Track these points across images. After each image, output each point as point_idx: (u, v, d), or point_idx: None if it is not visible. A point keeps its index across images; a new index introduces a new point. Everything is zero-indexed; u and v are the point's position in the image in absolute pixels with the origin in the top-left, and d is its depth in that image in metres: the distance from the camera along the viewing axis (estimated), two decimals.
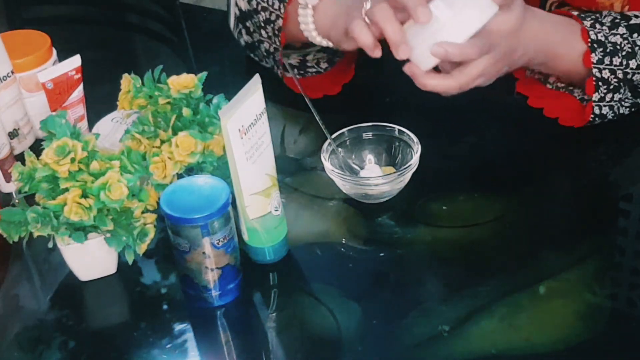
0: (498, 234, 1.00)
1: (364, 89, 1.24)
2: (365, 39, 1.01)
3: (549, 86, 1.15)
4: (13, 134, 1.13)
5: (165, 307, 0.94)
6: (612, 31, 1.07)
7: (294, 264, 0.98)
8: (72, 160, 0.91)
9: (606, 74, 1.07)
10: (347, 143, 1.07)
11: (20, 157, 0.99)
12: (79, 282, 0.97)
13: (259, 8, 1.18)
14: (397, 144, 1.06)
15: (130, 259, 0.93)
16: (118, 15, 1.59)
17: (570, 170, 1.11)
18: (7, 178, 1.07)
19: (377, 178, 1.02)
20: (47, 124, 0.96)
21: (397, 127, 1.05)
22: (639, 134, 1.13)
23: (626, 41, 1.07)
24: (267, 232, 0.94)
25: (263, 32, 1.19)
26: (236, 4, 1.23)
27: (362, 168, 1.06)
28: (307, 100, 1.03)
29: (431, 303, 0.91)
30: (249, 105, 0.88)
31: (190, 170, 0.99)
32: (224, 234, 0.89)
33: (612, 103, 1.09)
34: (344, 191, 1.04)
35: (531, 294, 0.91)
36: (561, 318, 0.88)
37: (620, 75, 1.07)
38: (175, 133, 0.98)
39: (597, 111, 1.09)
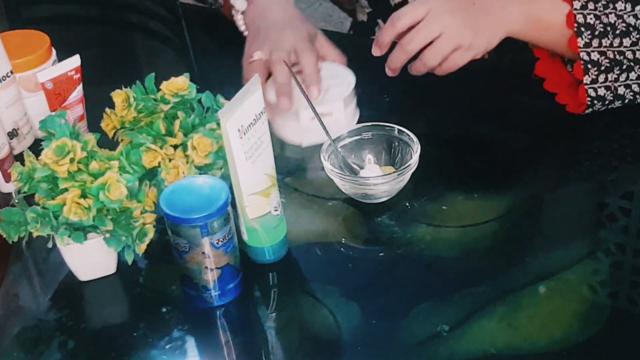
0: (498, 234, 1.00)
1: (364, 89, 1.24)
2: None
3: (569, 68, 1.13)
4: (12, 134, 1.13)
5: (164, 307, 0.93)
6: (607, 10, 1.05)
7: (294, 264, 0.98)
8: (72, 160, 0.91)
9: (595, 56, 1.05)
10: (347, 143, 1.06)
11: (20, 157, 0.98)
12: (79, 282, 0.97)
13: None
14: (396, 143, 1.06)
15: (129, 258, 0.93)
16: (118, 15, 1.59)
17: (570, 169, 1.11)
18: (7, 178, 1.07)
19: (377, 178, 1.02)
20: (47, 124, 0.96)
21: (396, 127, 1.05)
22: (639, 132, 1.13)
23: (621, 19, 1.05)
24: (267, 232, 0.94)
25: None
26: None
27: (361, 168, 1.06)
28: (306, 100, 1.03)
29: (431, 303, 0.91)
30: (248, 105, 0.88)
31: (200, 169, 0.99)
32: (224, 233, 0.89)
33: (608, 84, 1.07)
34: (344, 191, 1.04)
35: (531, 294, 0.91)
36: (561, 318, 0.88)
37: (611, 56, 1.06)
38: (184, 136, 0.98)
39: (592, 93, 1.08)
